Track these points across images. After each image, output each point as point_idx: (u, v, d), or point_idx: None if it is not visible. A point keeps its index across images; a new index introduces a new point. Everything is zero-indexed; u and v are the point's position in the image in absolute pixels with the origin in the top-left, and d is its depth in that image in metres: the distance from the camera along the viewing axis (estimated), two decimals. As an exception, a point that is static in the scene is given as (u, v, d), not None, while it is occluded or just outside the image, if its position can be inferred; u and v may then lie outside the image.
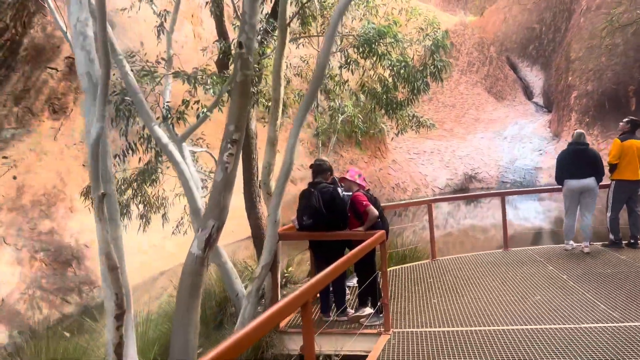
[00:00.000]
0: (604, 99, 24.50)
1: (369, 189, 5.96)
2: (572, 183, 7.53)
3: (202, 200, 6.50)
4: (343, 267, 3.90)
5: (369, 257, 5.20)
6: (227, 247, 9.70)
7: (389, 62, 6.90)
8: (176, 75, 5.79)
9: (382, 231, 5.16)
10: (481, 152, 26.03)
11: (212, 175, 8.54)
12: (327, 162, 6.02)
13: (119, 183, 7.85)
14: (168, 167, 7.28)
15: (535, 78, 36.34)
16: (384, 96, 7.35)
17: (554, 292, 5.96)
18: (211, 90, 6.09)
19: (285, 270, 7.70)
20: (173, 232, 9.58)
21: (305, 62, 8.81)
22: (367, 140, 21.71)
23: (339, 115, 8.16)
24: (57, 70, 12.03)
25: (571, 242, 7.99)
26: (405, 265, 7.87)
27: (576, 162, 7.50)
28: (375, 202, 5.55)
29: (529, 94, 35.98)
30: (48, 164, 11.47)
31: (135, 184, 7.81)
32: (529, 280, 6.57)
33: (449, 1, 43.32)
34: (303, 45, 8.13)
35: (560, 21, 34.70)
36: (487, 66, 35.85)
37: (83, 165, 11.91)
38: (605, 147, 24.44)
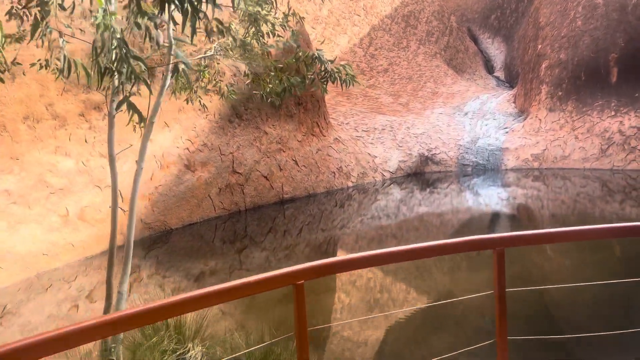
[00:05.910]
0: (579, 70, 19.57)
1: None
2: None
3: None
4: None
5: None
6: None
7: None
8: None
9: None
10: (439, 129, 20.84)
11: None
12: None
13: None
14: None
15: (496, 51, 32.71)
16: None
17: None
18: None
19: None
20: None
21: None
22: (302, 112, 16.12)
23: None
24: None
25: None
26: None
27: None
28: None
29: (489, 67, 32.05)
30: None
31: None
32: None
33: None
34: None
35: (524, -10, 30.54)
36: (447, 37, 31.05)
37: None
38: (580, 125, 19.61)
